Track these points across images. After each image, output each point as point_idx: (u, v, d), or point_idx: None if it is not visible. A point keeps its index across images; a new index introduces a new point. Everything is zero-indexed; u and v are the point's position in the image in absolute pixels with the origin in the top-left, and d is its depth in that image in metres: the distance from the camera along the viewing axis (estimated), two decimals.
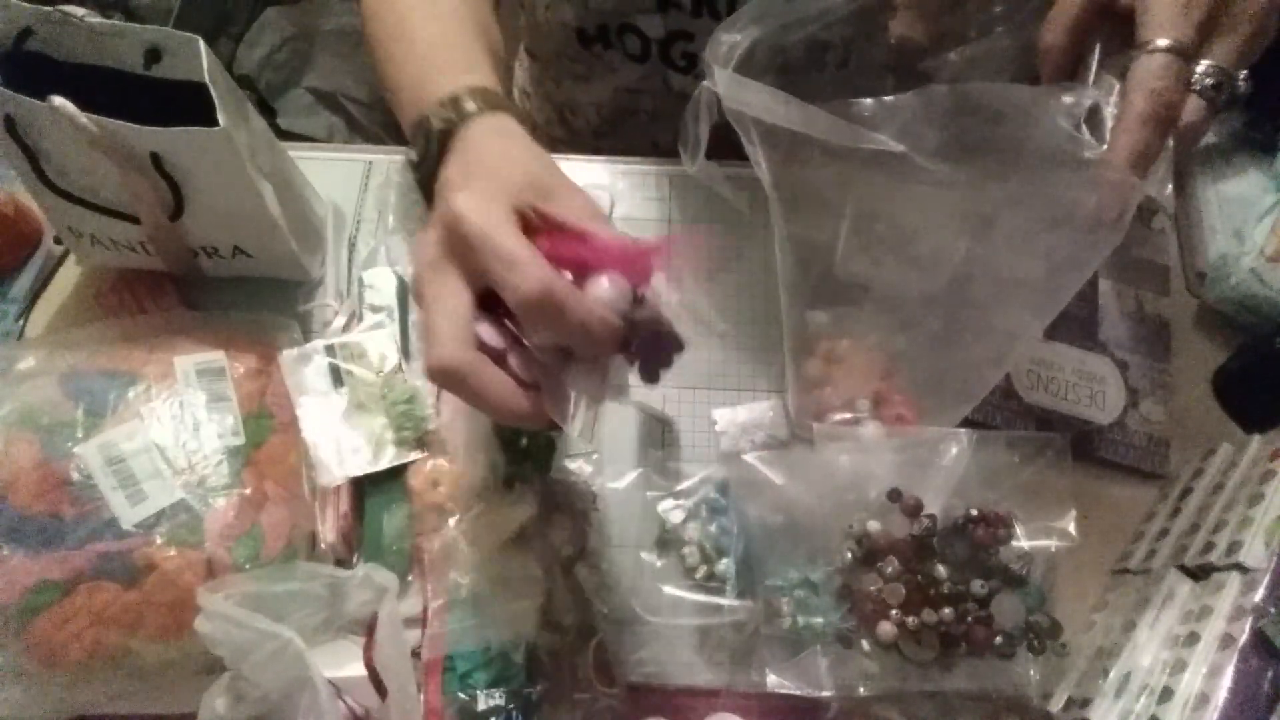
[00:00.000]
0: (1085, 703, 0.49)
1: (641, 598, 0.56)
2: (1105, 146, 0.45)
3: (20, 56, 0.52)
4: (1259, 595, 0.45)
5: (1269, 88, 0.48)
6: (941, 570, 0.52)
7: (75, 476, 0.49)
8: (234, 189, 0.54)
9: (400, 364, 0.59)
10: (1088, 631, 0.55)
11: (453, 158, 0.44)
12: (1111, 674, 0.49)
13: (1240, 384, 0.63)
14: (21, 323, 0.63)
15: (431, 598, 0.53)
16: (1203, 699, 0.44)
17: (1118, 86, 0.46)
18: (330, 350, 0.59)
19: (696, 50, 0.68)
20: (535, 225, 0.40)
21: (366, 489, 0.57)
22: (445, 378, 0.37)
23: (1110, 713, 0.48)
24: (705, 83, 0.51)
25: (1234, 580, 0.47)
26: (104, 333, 0.58)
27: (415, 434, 0.57)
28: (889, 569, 0.52)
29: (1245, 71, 0.44)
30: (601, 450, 0.60)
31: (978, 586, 0.52)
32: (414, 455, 0.57)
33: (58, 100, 0.48)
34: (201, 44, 0.50)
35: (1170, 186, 0.45)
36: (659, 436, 0.61)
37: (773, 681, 0.51)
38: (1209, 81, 0.43)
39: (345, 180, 0.69)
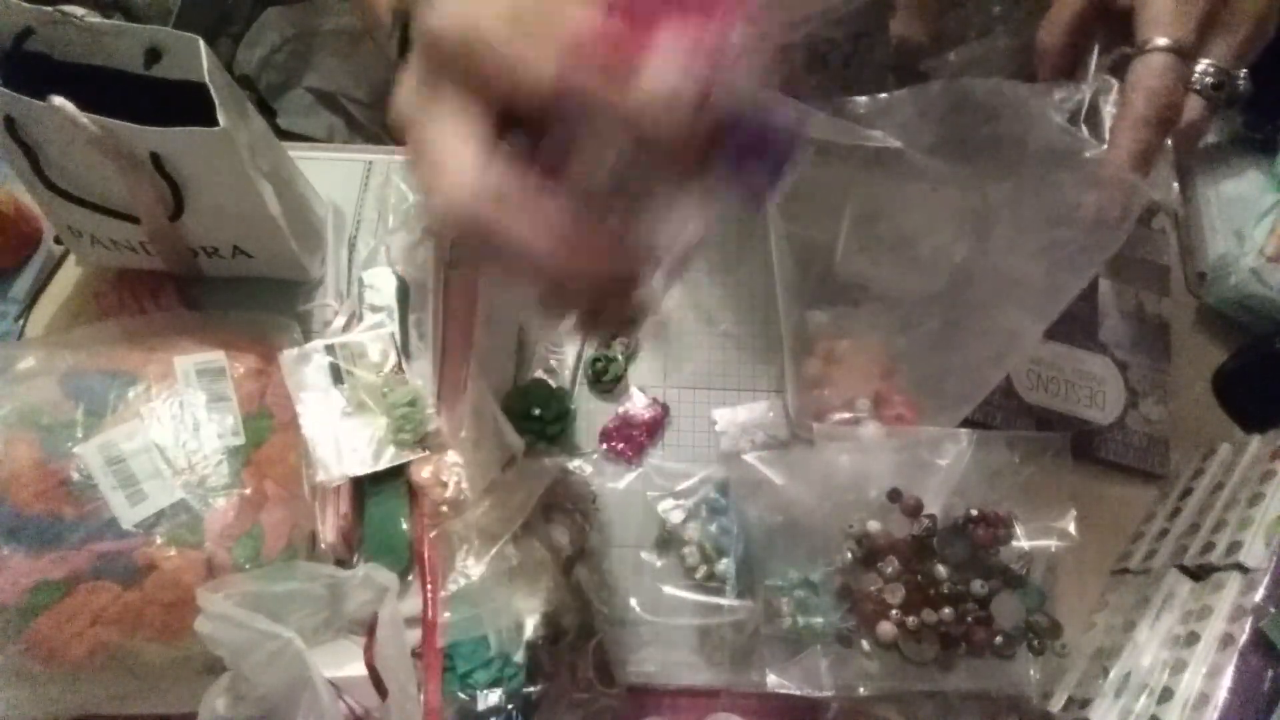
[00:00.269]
0: (1085, 703, 0.49)
1: (641, 598, 0.56)
2: (1105, 146, 0.45)
3: (20, 56, 0.52)
4: (1259, 595, 0.45)
5: (1269, 88, 0.48)
6: (941, 570, 0.52)
7: (75, 476, 0.49)
8: (234, 189, 0.54)
9: (400, 364, 0.59)
10: (1088, 631, 0.55)
11: None
12: (1111, 674, 0.49)
13: (1240, 384, 0.63)
14: (21, 323, 0.63)
15: (433, 590, 0.53)
16: (1203, 699, 0.44)
17: (1116, 86, 0.46)
18: (330, 350, 0.59)
19: None
20: None
21: (366, 488, 0.57)
22: (466, 221, 0.28)
23: (1110, 713, 0.48)
24: None
25: (1234, 580, 0.47)
26: (104, 333, 0.58)
27: (415, 437, 0.57)
28: (889, 569, 0.52)
29: (1245, 70, 0.44)
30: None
31: (978, 586, 0.52)
32: (414, 454, 0.57)
33: (58, 100, 0.48)
34: (201, 44, 0.50)
35: (1176, 187, 0.45)
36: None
37: (773, 681, 0.51)
38: (1209, 81, 0.43)
39: (345, 180, 0.69)
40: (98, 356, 0.55)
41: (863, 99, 0.51)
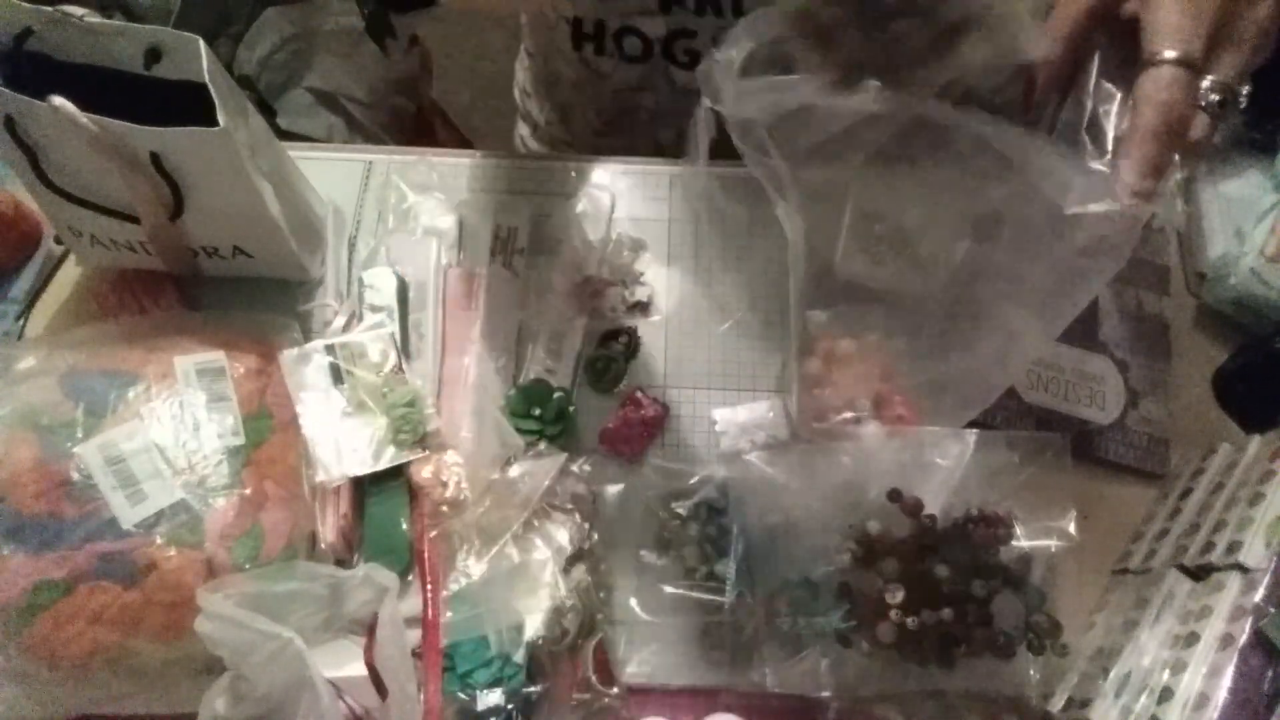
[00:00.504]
0: (1085, 703, 0.49)
1: (641, 598, 0.56)
2: (1109, 157, 0.44)
3: (20, 56, 0.52)
4: (1259, 595, 0.45)
5: (1269, 88, 0.48)
6: (941, 570, 0.52)
7: (75, 476, 0.49)
8: (234, 189, 0.54)
9: (400, 364, 0.59)
10: (1088, 631, 0.55)
11: None
12: (1111, 674, 0.49)
13: (1240, 384, 0.63)
14: (21, 323, 0.63)
15: (433, 590, 0.53)
16: (1203, 699, 0.44)
17: (1119, 97, 0.46)
18: (330, 350, 0.59)
19: (699, 47, 0.68)
20: None
21: (366, 488, 0.57)
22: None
23: (1110, 713, 0.48)
24: (705, 101, 0.51)
25: (1234, 580, 0.47)
26: (104, 333, 0.58)
27: (414, 437, 0.57)
28: (889, 569, 0.52)
29: (1247, 88, 0.44)
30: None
31: (978, 586, 0.52)
32: (414, 454, 0.57)
33: (58, 100, 0.48)
34: (201, 44, 0.50)
35: (1180, 204, 0.45)
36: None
37: (773, 681, 0.51)
38: (1214, 98, 0.43)
39: (345, 180, 0.69)
40: (98, 356, 0.55)
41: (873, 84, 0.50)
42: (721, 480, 0.58)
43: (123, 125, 0.49)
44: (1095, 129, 0.47)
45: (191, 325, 0.59)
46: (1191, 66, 0.42)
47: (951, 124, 0.49)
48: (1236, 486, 0.53)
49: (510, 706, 0.50)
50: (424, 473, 0.56)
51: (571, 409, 0.60)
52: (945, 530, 0.53)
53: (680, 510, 0.57)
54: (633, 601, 0.56)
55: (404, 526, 0.56)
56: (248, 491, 0.52)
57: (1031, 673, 0.51)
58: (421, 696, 0.50)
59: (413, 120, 1.19)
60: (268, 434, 0.55)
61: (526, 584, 0.53)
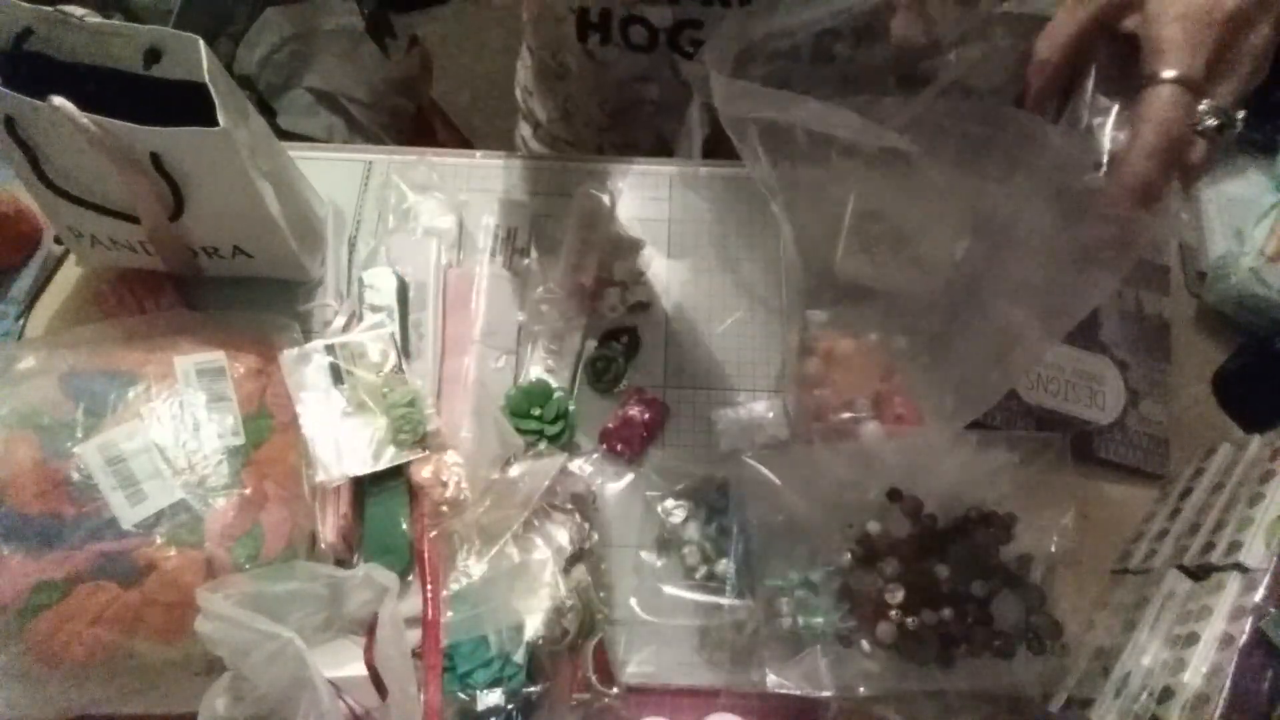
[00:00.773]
0: (1085, 703, 0.49)
1: (641, 598, 0.56)
2: (1104, 172, 0.44)
3: (20, 56, 0.52)
4: (1259, 595, 0.45)
5: (1269, 89, 0.48)
6: (941, 570, 0.52)
7: (75, 476, 0.49)
8: (234, 189, 0.54)
9: (400, 364, 0.59)
10: (1088, 631, 0.55)
11: None
12: (1111, 674, 0.49)
13: (1240, 384, 0.63)
14: (21, 323, 0.63)
15: (433, 590, 0.53)
16: (1203, 699, 0.44)
17: (1114, 109, 0.46)
18: (330, 350, 0.59)
19: (705, 38, 0.68)
20: None
21: (366, 488, 0.57)
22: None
23: (1110, 713, 0.48)
24: (697, 98, 0.51)
25: (1234, 580, 0.47)
26: (104, 333, 0.58)
27: (414, 437, 0.57)
28: (889, 569, 0.52)
29: (1243, 113, 0.44)
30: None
31: (978, 586, 0.52)
32: (414, 454, 0.57)
33: (58, 100, 0.48)
34: (201, 44, 0.50)
35: (1186, 218, 0.45)
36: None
37: (773, 681, 0.51)
38: (1211, 122, 0.43)
39: (345, 180, 0.69)
40: (98, 356, 0.55)
41: (862, 98, 0.51)
42: (721, 480, 0.58)
43: (123, 125, 0.49)
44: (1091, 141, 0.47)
45: (191, 325, 0.59)
46: (1191, 87, 0.42)
47: (948, 119, 0.49)
48: (1236, 486, 0.53)
49: (510, 706, 0.50)
50: (424, 473, 0.56)
51: (571, 409, 0.60)
52: (945, 530, 0.54)
53: (680, 510, 0.57)
54: (633, 601, 0.56)
55: (404, 526, 0.56)
56: (248, 491, 0.52)
57: (1032, 673, 0.51)
58: (421, 696, 0.50)
59: (413, 120, 1.20)
60: (268, 434, 0.55)
61: (526, 584, 0.53)
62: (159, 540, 0.49)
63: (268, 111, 1.06)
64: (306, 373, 0.58)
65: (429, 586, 0.54)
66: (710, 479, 0.58)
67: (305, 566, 0.52)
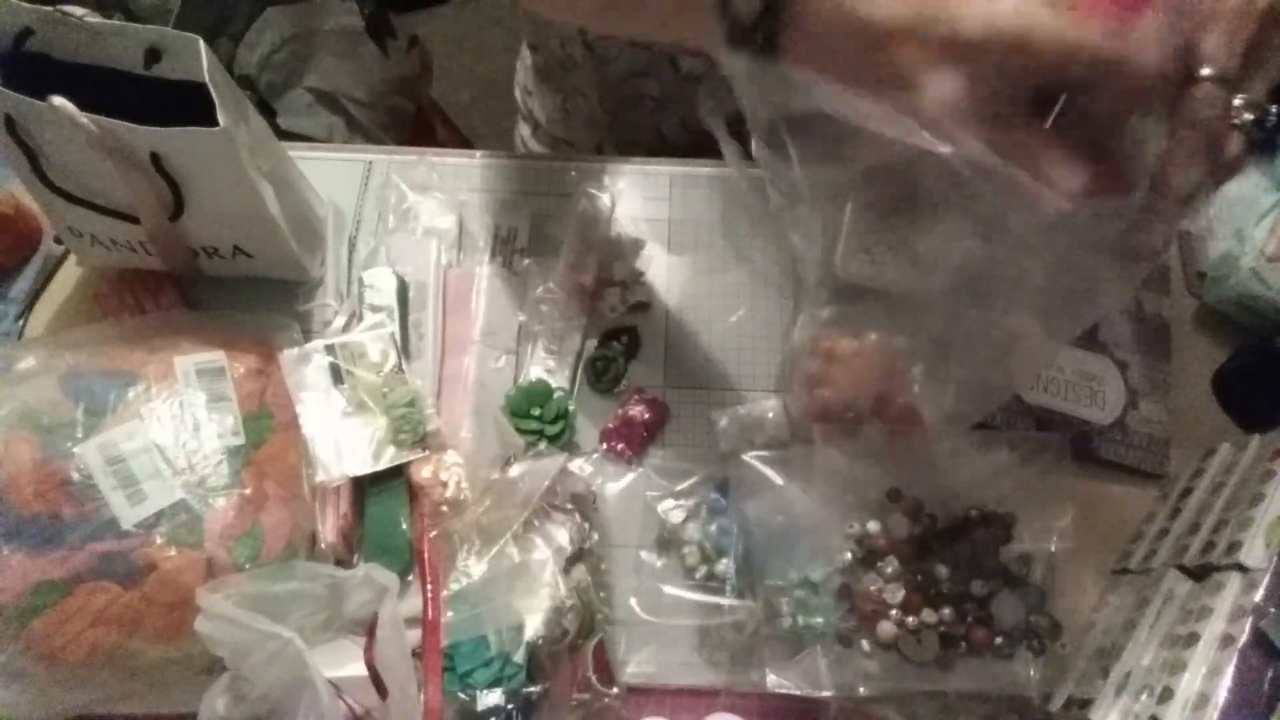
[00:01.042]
0: (1085, 703, 0.49)
1: (641, 598, 0.56)
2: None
3: (20, 56, 0.52)
4: (1259, 595, 0.45)
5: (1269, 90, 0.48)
6: (941, 570, 0.52)
7: (75, 476, 0.49)
8: (234, 189, 0.54)
9: (400, 364, 0.59)
10: (1088, 631, 0.55)
11: None
12: (1111, 674, 0.49)
13: (1240, 384, 0.63)
14: (21, 323, 0.63)
15: (433, 590, 0.53)
16: (1203, 699, 0.44)
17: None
18: (330, 350, 0.59)
19: None
20: None
21: (366, 488, 0.57)
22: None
23: (1110, 713, 0.48)
24: (708, 88, 0.50)
25: (1234, 580, 0.47)
26: (104, 333, 0.58)
27: (414, 437, 0.57)
28: (889, 569, 0.52)
29: (1277, 106, 0.44)
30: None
31: (978, 586, 0.52)
32: (414, 454, 0.57)
33: (57, 100, 0.48)
34: (201, 44, 0.50)
35: (1212, 213, 0.44)
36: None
37: (773, 681, 0.51)
38: (1247, 116, 0.42)
39: (345, 180, 0.69)
40: (98, 356, 0.55)
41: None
42: (721, 480, 0.58)
43: (123, 125, 0.49)
44: None
45: (191, 325, 0.59)
46: (1229, 85, 0.41)
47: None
48: (1236, 486, 0.53)
49: (510, 706, 0.50)
50: (424, 473, 0.56)
51: (571, 409, 0.60)
52: (945, 530, 0.54)
53: (680, 510, 0.57)
54: (633, 601, 0.56)
55: (404, 526, 0.56)
56: (248, 491, 0.52)
57: (1031, 673, 0.51)
58: (421, 696, 0.50)
59: (413, 120, 1.19)
60: (268, 434, 0.55)
61: (526, 584, 0.53)
62: (159, 540, 0.49)
63: (268, 111, 1.06)
64: (306, 373, 0.58)
65: (429, 586, 0.54)
66: (710, 479, 0.58)
67: (305, 566, 0.52)
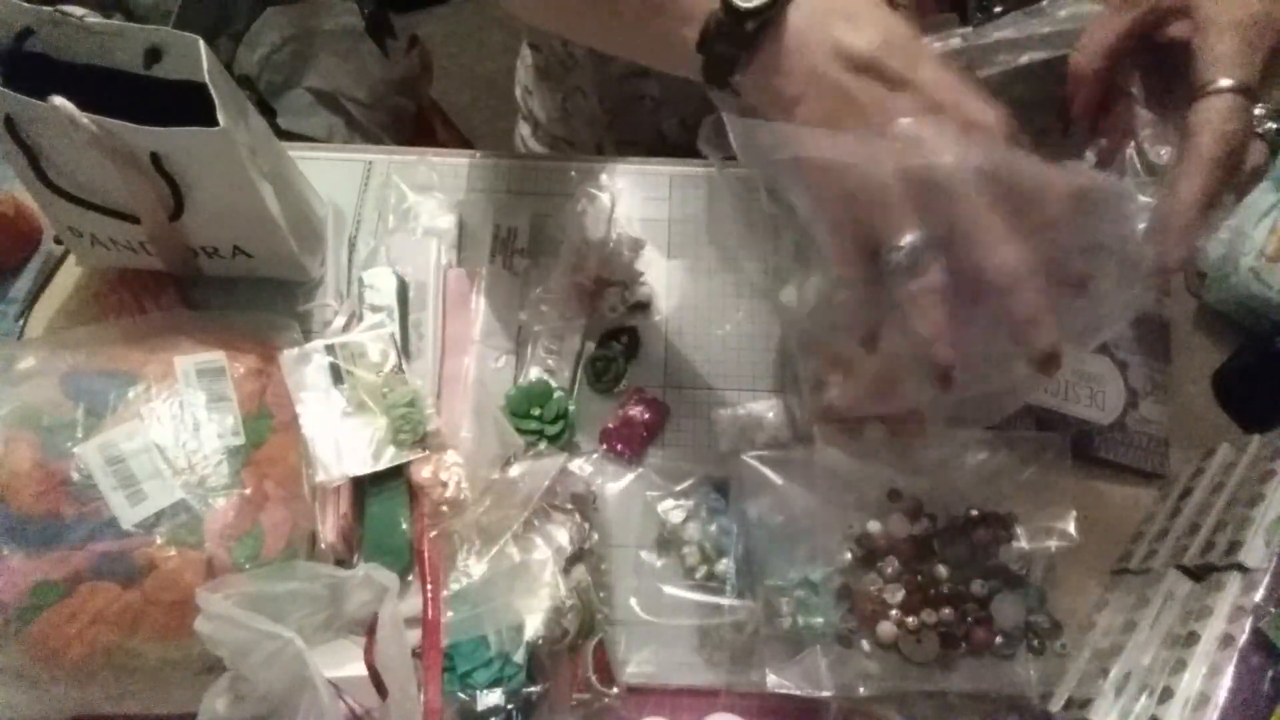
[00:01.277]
0: (1085, 703, 0.49)
1: (641, 598, 0.56)
2: (1155, 186, 0.43)
3: (20, 56, 0.52)
4: (1259, 595, 0.45)
5: None
6: (941, 570, 0.52)
7: (75, 476, 0.49)
8: (234, 189, 0.54)
9: (400, 364, 0.59)
10: (1088, 631, 0.55)
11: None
12: (1111, 674, 0.49)
13: (1240, 384, 0.63)
14: (21, 323, 0.63)
15: (433, 590, 0.53)
16: (1203, 699, 0.44)
17: (1160, 124, 0.45)
18: (330, 350, 0.59)
19: None
20: None
21: (366, 488, 0.57)
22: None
23: (1110, 713, 0.48)
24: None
25: (1234, 580, 0.47)
26: (104, 333, 0.58)
27: (414, 437, 0.57)
28: (889, 569, 0.52)
29: None
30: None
31: (978, 586, 0.52)
32: (414, 454, 0.57)
33: (58, 100, 0.48)
34: (201, 44, 0.50)
35: (1231, 222, 0.43)
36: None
37: (773, 681, 0.51)
38: (1270, 125, 0.42)
39: (345, 180, 0.69)
40: (98, 356, 0.55)
41: None
42: (721, 480, 0.58)
43: (123, 125, 0.49)
44: (1141, 158, 0.46)
45: (191, 325, 0.59)
46: (1248, 94, 0.41)
47: None
48: (1236, 486, 0.53)
49: (510, 706, 0.50)
50: (424, 473, 0.56)
51: (571, 409, 0.60)
52: (945, 530, 0.54)
53: (680, 510, 0.57)
54: (633, 601, 0.56)
55: (404, 526, 0.56)
56: (248, 491, 0.52)
57: (1031, 673, 0.51)
58: (421, 696, 0.50)
59: (413, 120, 1.19)
60: (268, 434, 0.55)
61: (526, 584, 0.53)
62: (159, 540, 0.49)
63: (268, 111, 1.06)
64: (306, 373, 0.58)
65: (429, 586, 0.54)
66: (710, 479, 0.58)
67: (305, 566, 0.52)
